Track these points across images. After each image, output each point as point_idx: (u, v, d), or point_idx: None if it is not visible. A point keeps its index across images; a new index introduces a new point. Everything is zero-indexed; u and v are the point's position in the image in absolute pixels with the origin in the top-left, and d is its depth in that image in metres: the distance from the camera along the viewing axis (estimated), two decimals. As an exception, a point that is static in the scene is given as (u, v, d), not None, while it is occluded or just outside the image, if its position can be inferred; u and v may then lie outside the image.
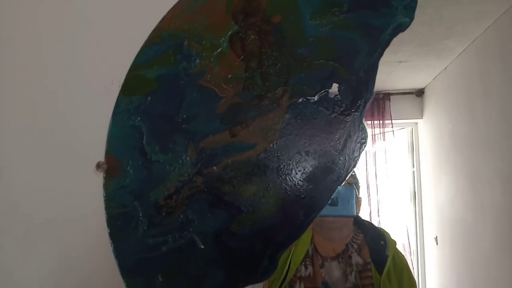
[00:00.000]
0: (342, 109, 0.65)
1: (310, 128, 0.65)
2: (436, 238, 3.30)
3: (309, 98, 0.65)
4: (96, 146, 0.68)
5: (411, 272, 1.35)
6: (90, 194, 0.68)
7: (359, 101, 0.64)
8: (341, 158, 0.64)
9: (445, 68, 2.91)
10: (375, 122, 3.23)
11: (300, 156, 0.65)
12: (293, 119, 0.65)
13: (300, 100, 0.65)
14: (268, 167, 0.65)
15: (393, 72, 2.91)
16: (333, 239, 1.37)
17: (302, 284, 1.31)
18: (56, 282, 0.66)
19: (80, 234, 0.68)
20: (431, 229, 3.43)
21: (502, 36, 2.20)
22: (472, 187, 2.68)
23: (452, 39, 2.38)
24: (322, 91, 0.65)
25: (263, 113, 0.66)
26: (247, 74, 0.67)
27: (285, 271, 1.33)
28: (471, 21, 2.16)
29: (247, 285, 0.64)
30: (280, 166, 0.65)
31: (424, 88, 3.31)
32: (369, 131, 3.57)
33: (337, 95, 0.65)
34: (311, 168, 0.64)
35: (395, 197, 3.51)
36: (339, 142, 0.64)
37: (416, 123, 3.54)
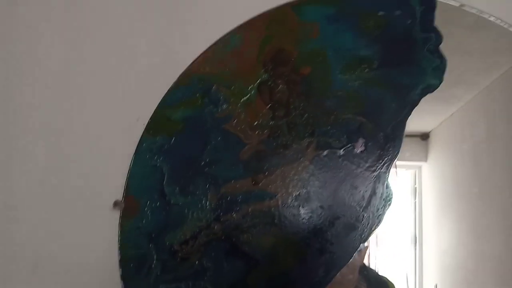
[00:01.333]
0: (368, 164, 0.64)
1: (334, 181, 0.64)
2: (436, 286, 3.23)
3: (334, 151, 0.65)
4: (115, 184, 0.67)
5: (416, 325, 1.30)
6: (105, 232, 0.66)
7: (386, 158, 0.64)
8: (365, 215, 0.63)
9: (451, 115, 2.95)
10: (379, 162, 3.23)
11: (323, 210, 0.64)
12: (317, 171, 0.65)
13: (325, 152, 0.65)
14: (289, 218, 0.64)
15: (399, 115, 2.94)
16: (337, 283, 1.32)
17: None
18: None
19: (91, 274, 0.66)
20: (431, 276, 3.35)
21: (509, 87, 2.23)
22: (473, 235, 2.64)
23: (460, 87, 2.42)
24: (348, 145, 0.65)
25: (287, 163, 0.65)
26: (273, 122, 0.66)
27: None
28: (480, 72, 2.20)
29: None
30: (301, 218, 0.64)
31: (429, 132, 3.34)
32: (373, 171, 3.54)
33: (363, 150, 0.64)
34: (333, 224, 0.63)
35: (395, 240, 3.46)
36: (364, 198, 0.63)
37: (420, 166, 3.54)
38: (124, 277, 0.64)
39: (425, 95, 0.64)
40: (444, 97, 2.71)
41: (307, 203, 0.64)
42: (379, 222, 0.62)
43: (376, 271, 1.53)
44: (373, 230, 0.61)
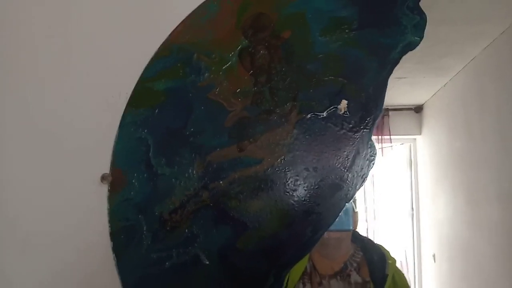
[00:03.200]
0: (351, 125, 0.64)
1: (319, 144, 0.65)
2: (434, 256, 3.28)
3: (317, 114, 0.65)
4: (101, 158, 0.67)
5: (411, 291, 1.33)
6: (94, 206, 0.67)
7: (368, 118, 0.64)
8: (349, 175, 0.64)
9: (444, 86, 2.93)
10: (374, 137, 3.23)
11: (308, 172, 0.64)
12: (301, 135, 0.65)
13: (308, 115, 0.65)
14: (275, 182, 0.64)
15: (392, 88, 2.93)
16: (331, 256, 1.34)
17: (299, 304, 1.28)
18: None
19: (82, 248, 0.67)
20: (429, 246, 3.41)
21: (499, 56, 2.23)
22: (469, 204, 2.67)
23: (450, 58, 2.40)
24: (331, 107, 0.65)
25: (271, 128, 0.66)
26: (256, 88, 0.66)
27: (282, 289, 1.30)
28: (469, 41, 2.18)
29: (252, 303, 0.62)
30: (287, 181, 0.64)
31: (423, 105, 3.33)
32: (368, 146, 3.56)
33: (346, 112, 0.64)
34: (319, 185, 0.64)
35: (393, 213, 3.50)
36: (348, 158, 0.64)
37: (415, 139, 3.55)
38: (115, 249, 0.65)
39: (405, 53, 0.64)
40: (435, 68, 2.69)
41: (292, 166, 0.65)
42: (363, 181, 0.63)
43: (372, 240, 1.55)
44: (358, 189, 0.62)
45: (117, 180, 0.67)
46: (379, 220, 3.37)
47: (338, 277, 1.34)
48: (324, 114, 0.65)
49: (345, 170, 0.64)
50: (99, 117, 0.69)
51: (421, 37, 0.64)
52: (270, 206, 0.64)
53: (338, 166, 0.64)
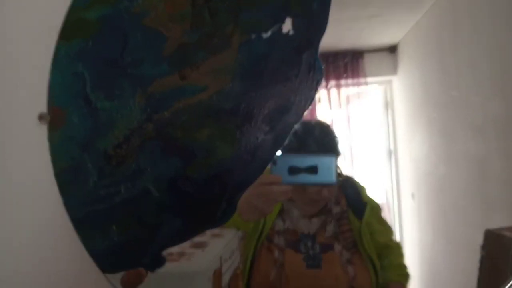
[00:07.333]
0: (296, 44, 0.62)
1: (263, 66, 0.62)
2: (413, 195, 3.39)
3: (261, 34, 0.62)
4: (37, 97, 0.64)
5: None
6: (35, 148, 0.64)
7: (313, 36, 0.61)
8: (297, 97, 0.62)
9: (416, 23, 2.89)
10: (349, 81, 3.22)
11: (255, 96, 0.62)
12: (245, 58, 0.62)
13: (252, 37, 0.62)
14: (221, 109, 0.62)
15: (365, 29, 2.87)
16: (316, 205, 1.36)
17: (281, 237, 1.32)
18: (4, 238, 0.63)
19: (27, 191, 0.65)
20: (407, 186, 3.52)
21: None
22: (445, 140, 2.73)
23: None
24: (275, 26, 0.61)
25: (214, 53, 0.62)
26: (194, 10, 0.62)
27: (261, 226, 1.33)
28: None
29: (206, 229, 0.63)
30: (233, 107, 0.62)
31: (397, 44, 3.30)
32: (343, 90, 3.56)
33: (290, 30, 0.61)
34: (266, 109, 0.62)
35: (371, 156, 3.57)
36: (294, 80, 0.62)
37: (391, 80, 3.54)
38: (61, 189, 0.63)
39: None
40: (408, 4, 2.64)
41: (238, 91, 0.62)
42: (311, 102, 0.61)
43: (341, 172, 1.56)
44: (305, 111, 0.61)
45: (55, 119, 0.64)
46: (358, 163, 3.44)
47: (319, 213, 1.37)
48: (268, 33, 0.62)
49: (292, 92, 0.62)
50: (29, 54, 0.65)
51: None
52: (218, 133, 0.62)
53: (285, 88, 0.62)
